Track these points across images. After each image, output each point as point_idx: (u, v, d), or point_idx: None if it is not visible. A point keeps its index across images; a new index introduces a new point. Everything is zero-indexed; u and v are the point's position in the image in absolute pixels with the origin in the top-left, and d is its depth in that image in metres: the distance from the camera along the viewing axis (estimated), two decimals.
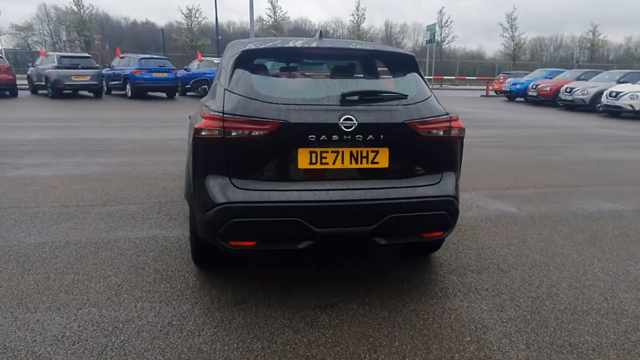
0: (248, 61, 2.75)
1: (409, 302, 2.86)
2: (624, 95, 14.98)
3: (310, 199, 2.54)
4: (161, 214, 4.37)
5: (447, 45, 51.50)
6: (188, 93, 19.82)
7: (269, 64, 2.82)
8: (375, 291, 2.97)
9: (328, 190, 2.58)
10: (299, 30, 58.46)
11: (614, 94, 15.30)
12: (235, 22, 67.19)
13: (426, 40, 35.96)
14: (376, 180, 2.66)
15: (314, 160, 2.57)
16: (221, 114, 2.50)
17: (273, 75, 2.97)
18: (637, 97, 14.68)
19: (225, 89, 2.66)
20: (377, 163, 2.64)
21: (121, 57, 19.59)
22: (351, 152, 2.59)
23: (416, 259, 3.48)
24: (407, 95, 2.72)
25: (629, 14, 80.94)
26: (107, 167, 6.27)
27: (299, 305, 2.76)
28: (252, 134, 2.49)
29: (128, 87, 18.07)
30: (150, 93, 18.57)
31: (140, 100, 17.01)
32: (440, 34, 41.58)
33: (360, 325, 2.57)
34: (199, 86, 17.60)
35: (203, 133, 2.54)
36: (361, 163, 2.62)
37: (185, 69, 20.66)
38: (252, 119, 2.48)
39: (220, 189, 2.55)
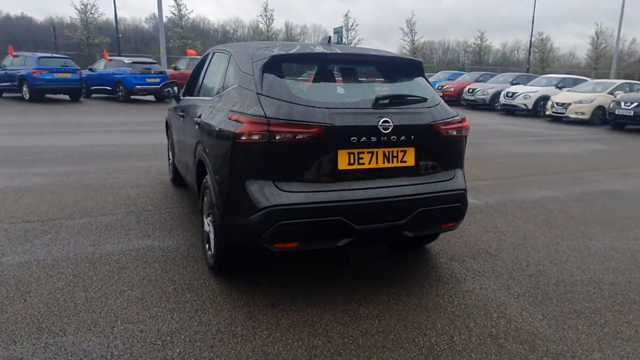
0: (276, 66, 2.79)
1: (430, 288, 3.10)
2: (518, 95, 16.93)
3: (351, 198, 2.67)
4: (142, 224, 4.16)
5: None
6: (95, 95, 18.46)
7: (293, 69, 2.88)
8: (396, 282, 3.17)
9: (365, 189, 2.73)
10: (197, 29, 56.60)
11: (510, 94, 17.21)
12: (126, 19, 63.29)
13: (334, 43, 37.07)
14: (405, 178, 2.86)
15: (352, 161, 2.70)
16: (265, 118, 2.53)
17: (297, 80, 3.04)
18: (529, 97, 16.68)
19: (258, 94, 2.68)
20: (405, 162, 2.84)
21: (14, 56, 17.61)
22: (384, 152, 2.77)
23: (416, 251, 3.75)
24: (427, 99, 2.97)
25: (505, 22, 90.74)
26: (48, 177, 5.74)
27: (335, 302, 2.87)
28: (297, 137, 2.55)
29: (25, 89, 16.30)
30: (49, 95, 16.92)
31: (41, 104, 15.45)
32: (347, 37, 43.09)
33: (399, 314, 2.76)
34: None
35: (245, 137, 2.55)
36: (392, 162, 2.80)
37: (90, 69, 19.17)
38: (298, 122, 2.55)
39: (265, 193, 2.58)
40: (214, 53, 3.92)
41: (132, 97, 17.04)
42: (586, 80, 17.77)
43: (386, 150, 2.77)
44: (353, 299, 2.92)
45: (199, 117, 3.30)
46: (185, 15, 43.55)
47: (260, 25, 47.10)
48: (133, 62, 17.89)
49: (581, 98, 14.68)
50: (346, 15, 50.79)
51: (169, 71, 19.48)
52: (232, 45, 3.55)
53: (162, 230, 4.01)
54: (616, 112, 13.16)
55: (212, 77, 3.80)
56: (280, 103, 2.60)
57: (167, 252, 3.56)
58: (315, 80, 2.97)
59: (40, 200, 4.77)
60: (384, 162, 2.78)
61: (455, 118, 3.01)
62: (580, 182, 6.38)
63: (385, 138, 2.72)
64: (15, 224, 4.04)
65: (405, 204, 2.80)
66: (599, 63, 47.48)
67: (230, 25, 64.26)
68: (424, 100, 2.95)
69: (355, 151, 2.69)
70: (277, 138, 2.53)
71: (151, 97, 18.17)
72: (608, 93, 14.80)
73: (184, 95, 4.73)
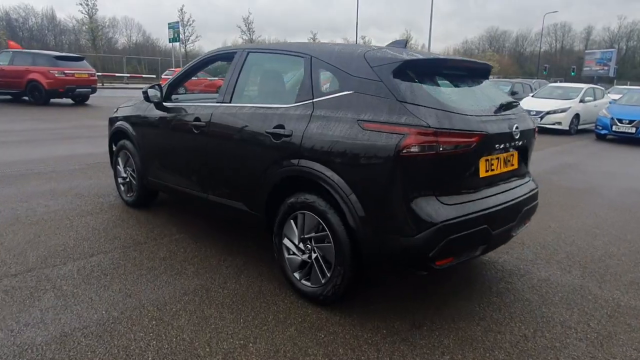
0: (408, 71, 2.59)
1: (501, 292, 3.28)
2: None
3: (491, 205, 2.67)
4: (157, 260, 3.39)
5: (192, 45, 50.93)
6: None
7: (419, 75, 2.68)
8: (461, 287, 3.26)
9: (497, 194, 2.75)
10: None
11: None
12: None
13: (169, 39, 34.96)
14: (514, 180, 2.97)
15: (487, 168, 2.69)
16: (431, 128, 2.34)
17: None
18: None
19: (400, 101, 2.45)
20: (513, 165, 2.95)
21: None
22: (504, 158, 2.83)
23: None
24: (519, 103, 3.12)
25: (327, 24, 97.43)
26: None
27: (407, 321, 2.76)
28: (458, 147, 2.43)
29: None
30: None
31: None
32: (184, 33, 40.86)
33: (477, 323, 2.85)
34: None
35: (412, 150, 2.32)
36: (507, 166, 2.88)
37: None
38: (462, 132, 2.42)
39: (431, 209, 2.40)
40: (248, 53, 3.39)
41: None
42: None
43: (504, 155, 2.83)
44: (427, 312, 2.91)
45: (279, 127, 2.85)
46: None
47: (82, 16, 41.53)
48: None
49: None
50: (181, 10, 47.87)
51: None
52: (294, 45, 3.14)
53: (191, 265, 3.33)
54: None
55: (267, 82, 3.30)
56: (435, 112, 2.43)
57: (231, 290, 2.99)
58: (439, 85, 2.82)
59: None
60: (504, 167, 2.84)
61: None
62: None
63: (514, 143, 2.78)
64: None
65: (519, 205, 2.91)
66: None
67: (17, 12, 54.67)
68: (519, 104, 3.10)
69: (490, 158, 2.69)
70: (440, 149, 2.37)
71: None
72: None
73: (166, 101, 4.00)
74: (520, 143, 2.87)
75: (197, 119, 3.50)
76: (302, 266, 2.89)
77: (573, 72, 49.02)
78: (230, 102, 3.35)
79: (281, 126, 2.86)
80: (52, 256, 3.37)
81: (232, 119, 3.24)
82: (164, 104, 3.96)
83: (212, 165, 3.45)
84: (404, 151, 2.32)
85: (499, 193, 2.79)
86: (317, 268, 2.78)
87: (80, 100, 16.05)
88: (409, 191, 2.38)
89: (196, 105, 3.65)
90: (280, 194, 2.95)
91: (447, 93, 2.73)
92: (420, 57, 2.65)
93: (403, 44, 3.22)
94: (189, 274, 3.19)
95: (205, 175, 3.54)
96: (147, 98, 3.92)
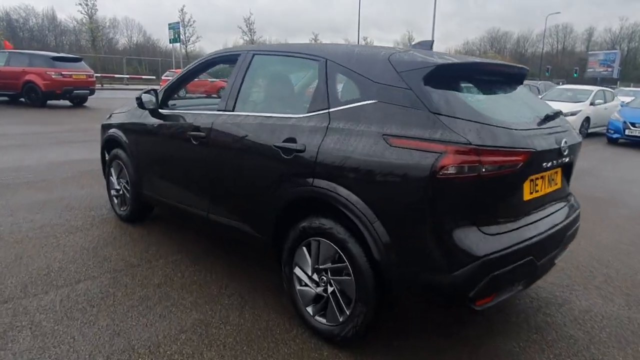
0: (441, 78, 2.22)
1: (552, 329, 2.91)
2: None
3: (537, 232, 2.30)
4: (151, 288, 3.02)
5: (193, 46, 50.46)
6: None
7: (453, 81, 2.31)
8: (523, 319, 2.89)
9: (542, 219, 2.40)
10: None
11: None
12: None
13: (170, 39, 34.64)
14: (558, 201, 2.61)
15: (531, 190, 2.32)
16: (473, 146, 1.97)
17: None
18: None
19: (434, 113, 2.08)
20: (556, 184, 2.58)
21: None
22: (548, 176, 2.46)
23: None
24: (562, 112, 2.74)
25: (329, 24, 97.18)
26: None
27: None
28: (502, 168, 2.06)
29: None
30: None
31: None
32: (184, 33, 40.48)
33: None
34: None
35: (451, 171, 1.95)
36: (551, 186, 2.51)
37: None
38: (508, 150, 2.05)
39: (473, 240, 2.03)
40: (253, 55, 3.02)
41: None
42: None
43: (549, 173, 2.46)
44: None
45: (290, 140, 2.48)
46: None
47: (81, 16, 41.15)
48: None
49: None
50: (182, 10, 47.39)
51: None
52: (306, 47, 2.77)
53: (189, 293, 2.96)
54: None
55: (276, 88, 2.94)
56: (476, 125, 2.06)
57: (234, 326, 2.62)
58: (476, 94, 2.45)
59: None
60: (548, 187, 2.47)
61: None
62: None
63: (562, 160, 2.42)
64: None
65: (563, 229, 2.54)
66: None
67: (18, 12, 54.22)
68: (562, 113, 2.73)
69: (534, 177, 2.32)
70: (483, 170, 2.00)
71: None
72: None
73: (162, 107, 3.64)
74: (567, 160, 2.50)
75: (197, 129, 3.13)
76: (316, 300, 2.52)
77: (576, 73, 48.56)
78: (233, 111, 2.98)
79: (292, 139, 2.49)
80: (34, 283, 3.01)
81: (235, 129, 2.87)
82: (160, 110, 3.59)
83: (213, 181, 3.09)
84: (441, 173, 1.96)
85: (544, 217, 2.42)
86: (334, 303, 2.41)
87: (78, 102, 15.69)
88: (445, 220, 2.02)
89: (195, 113, 3.28)
90: (290, 217, 2.58)
91: (486, 102, 2.36)
92: (456, 60, 2.28)
93: (429, 45, 2.86)
94: (187, 305, 2.82)
95: (205, 191, 3.18)
96: (140, 104, 3.55)
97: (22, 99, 14.62)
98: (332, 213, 2.36)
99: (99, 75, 24.80)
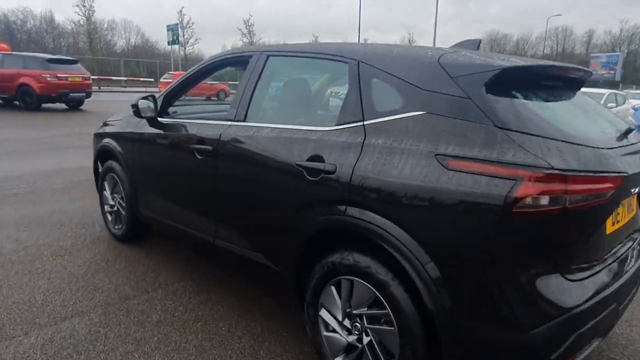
0: (507, 85, 1.80)
1: None
2: None
3: (622, 272, 1.89)
4: (149, 328, 2.60)
5: (192, 48, 49.95)
6: None
7: (519, 89, 1.89)
8: None
9: (624, 255, 1.97)
10: None
11: None
12: None
13: (168, 41, 34.24)
14: (635, 231, 2.19)
15: (613, 220, 1.90)
16: (557, 170, 1.55)
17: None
18: None
19: (501, 128, 1.66)
20: (633, 210, 2.16)
21: None
22: (627, 203, 2.04)
23: None
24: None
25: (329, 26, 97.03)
26: None
27: None
28: (589, 198, 1.64)
29: None
30: None
31: None
32: (183, 35, 40.02)
33: None
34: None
35: (529, 203, 1.53)
36: (629, 213, 2.09)
37: None
38: (600, 175, 1.64)
39: (556, 289, 1.62)
40: (267, 57, 2.60)
41: None
42: None
43: (628, 199, 2.04)
44: None
45: (316, 159, 2.06)
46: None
47: (78, 17, 40.80)
48: None
49: None
50: (180, 12, 47.00)
51: None
52: (332, 47, 2.34)
53: (193, 334, 2.54)
54: None
55: (295, 96, 2.52)
56: (556, 144, 1.64)
57: None
58: (545, 103, 2.03)
59: None
60: (627, 215, 2.05)
61: None
62: None
63: None
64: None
65: None
66: None
67: (15, 15, 53.63)
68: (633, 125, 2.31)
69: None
70: (569, 201, 1.58)
71: None
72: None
73: (162, 115, 3.22)
74: None
75: (202, 141, 2.72)
76: (348, 350, 2.09)
77: None
78: (244, 121, 2.56)
79: (319, 157, 2.07)
80: (12, 321, 2.58)
81: (247, 142, 2.45)
82: (159, 119, 3.18)
83: (221, 202, 2.66)
84: (518, 205, 1.54)
85: (625, 252, 2.01)
86: (370, 357, 1.99)
87: (74, 106, 15.25)
88: (521, 263, 1.60)
89: (200, 123, 2.86)
90: (316, 249, 2.16)
91: (559, 114, 1.95)
92: (522, 63, 1.86)
93: (476, 44, 2.44)
94: (190, 350, 2.39)
95: (211, 214, 2.75)
96: (137, 112, 3.13)
97: (17, 102, 14.18)
98: (369, 248, 1.94)
99: (96, 77, 24.36)
